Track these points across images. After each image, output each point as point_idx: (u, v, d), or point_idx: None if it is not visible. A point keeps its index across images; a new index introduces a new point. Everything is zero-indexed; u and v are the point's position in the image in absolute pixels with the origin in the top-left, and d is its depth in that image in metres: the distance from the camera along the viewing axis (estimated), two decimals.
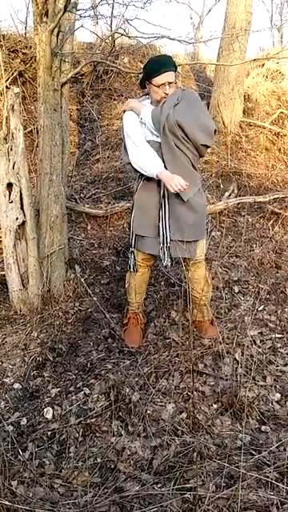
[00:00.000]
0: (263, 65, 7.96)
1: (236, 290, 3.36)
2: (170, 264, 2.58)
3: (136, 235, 2.63)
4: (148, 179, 2.50)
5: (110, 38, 6.19)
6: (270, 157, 6.71)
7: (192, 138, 2.36)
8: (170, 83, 2.35)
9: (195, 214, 2.51)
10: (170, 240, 2.50)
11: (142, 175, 2.51)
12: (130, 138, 2.46)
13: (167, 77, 2.33)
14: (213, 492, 1.75)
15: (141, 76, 2.48)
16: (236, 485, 1.74)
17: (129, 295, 2.83)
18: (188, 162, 2.45)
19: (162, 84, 2.34)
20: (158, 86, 2.35)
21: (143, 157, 2.42)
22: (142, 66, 2.48)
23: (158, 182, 2.46)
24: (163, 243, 2.51)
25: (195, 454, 1.91)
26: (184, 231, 2.46)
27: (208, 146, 2.47)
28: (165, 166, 2.39)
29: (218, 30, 6.93)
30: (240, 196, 5.23)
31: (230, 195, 5.24)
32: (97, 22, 7.77)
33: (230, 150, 6.28)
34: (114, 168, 5.75)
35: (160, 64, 2.34)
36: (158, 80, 2.34)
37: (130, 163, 2.51)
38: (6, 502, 1.71)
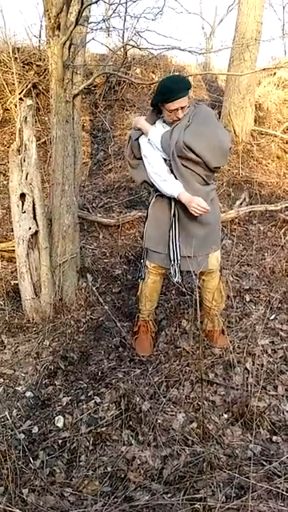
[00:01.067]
0: (274, 73, 7.97)
1: (247, 299, 3.35)
2: (181, 280, 2.59)
3: (147, 248, 2.67)
4: (161, 195, 2.52)
5: (122, 49, 6.27)
6: (281, 165, 6.70)
7: (204, 160, 2.36)
8: (182, 108, 2.34)
9: (205, 228, 2.53)
10: (181, 256, 2.52)
11: (156, 190, 2.54)
12: (147, 159, 2.50)
13: (179, 103, 2.32)
14: (223, 502, 1.74)
15: (153, 96, 2.45)
16: (246, 495, 1.73)
17: (140, 302, 2.85)
18: (201, 180, 2.44)
19: (174, 109, 2.34)
20: (170, 111, 2.36)
21: (162, 180, 2.44)
22: (156, 86, 2.43)
23: (169, 200, 2.49)
24: (174, 261, 2.53)
25: (205, 464, 1.91)
26: (195, 246, 2.47)
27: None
28: None
29: (229, 39, 6.97)
30: (251, 204, 5.23)
31: (241, 204, 5.24)
32: (108, 34, 7.87)
33: (241, 159, 6.29)
34: (125, 177, 5.80)
35: (173, 91, 2.30)
36: (169, 106, 2.33)
37: (145, 181, 2.56)
38: (17, 510, 1.73)
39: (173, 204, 2.49)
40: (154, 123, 2.50)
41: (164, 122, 2.49)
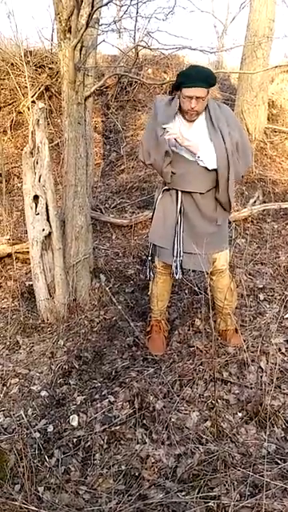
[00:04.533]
0: None
1: (261, 298, 3.33)
2: (181, 277, 2.58)
3: (154, 244, 2.66)
4: (168, 190, 2.52)
5: (133, 50, 6.28)
6: None
7: (236, 169, 2.43)
8: (198, 98, 2.29)
9: (212, 226, 2.53)
10: (184, 253, 2.52)
11: (164, 184, 2.54)
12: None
13: (196, 91, 2.27)
14: (237, 501, 1.74)
15: (175, 80, 2.41)
16: (260, 494, 1.73)
17: (151, 303, 2.86)
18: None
19: (189, 97, 2.29)
20: (185, 97, 2.32)
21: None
22: (179, 72, 2.38)
23: (177, 194, 2.49)
24: (176, 256, 2.53)
25: (219, 462, 1.91)
26: (199, 244, 2.46)
27: None
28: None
29: (242, 37, 6.94)
30: (265, 203, 5.19)
31: (254, 202, 5.20)
32: (119, 36, 7.90)
33: (254, 157, 6.24)
34: (138, 178, 5.81)
35: (193, 77, 2.27)
36: (185, 91, 2.29)
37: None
38: (33, 508, 1.75)
39: (179, 200, 2.49)
40: (175, 115, 2.44)
41: (181, 114, 2.44)
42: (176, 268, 2.54)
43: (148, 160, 2.49)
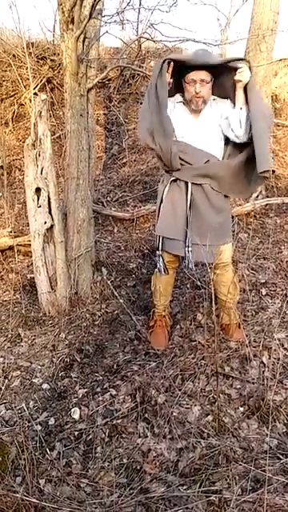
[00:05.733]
0: None
1: (263, 293, 3.32)
2: (193, 267, 2.56)
3: (163, 237, 2.60)
4: (175, 181, 2.49)
5: (136, 42, 6.23)
6: None
7: None
8: (202, 81, 2.28)
9: (220, 217, 2.51)
10: (193, 244, 2.49)
11: (170, 175, 2.50)
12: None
13: (199, 74, 2.27)
14: (238, 495, 1.74)
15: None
16: (262, 489, 1.73)
17: (154, 298, 2.85)
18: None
19: (194, 81, 2.28)
20: (189, 82, 2.30)
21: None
22: None
23: (186, 186, 2.46)
24: (188, 247, 2.49)
25: (221, 456, 1.90)
26: (208, 235, 2.43)
27: None
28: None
29: (245, 30, 6.88)
30: (268, 197, 5.17)
31: (257, 196, 5.18)
32: (122, 27, 7.83)
33: None
34: (140, 171, 5.79)
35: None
36: (189, 75, 2.28)
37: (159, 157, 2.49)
38: (34, 500, 1.75)
39: (189, 191, 2.45)
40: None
41: (184, 104, 2.44)
42: (188, 259, 2.52)
43: (152, 143, 2.40)
